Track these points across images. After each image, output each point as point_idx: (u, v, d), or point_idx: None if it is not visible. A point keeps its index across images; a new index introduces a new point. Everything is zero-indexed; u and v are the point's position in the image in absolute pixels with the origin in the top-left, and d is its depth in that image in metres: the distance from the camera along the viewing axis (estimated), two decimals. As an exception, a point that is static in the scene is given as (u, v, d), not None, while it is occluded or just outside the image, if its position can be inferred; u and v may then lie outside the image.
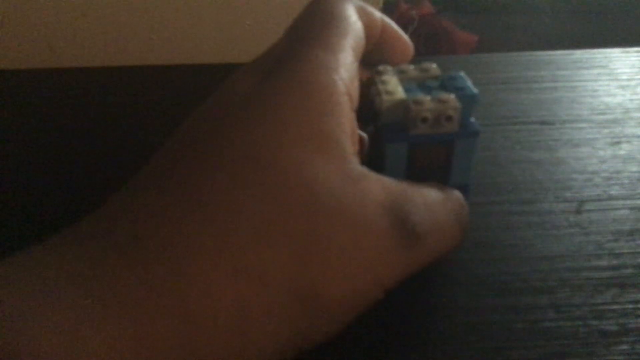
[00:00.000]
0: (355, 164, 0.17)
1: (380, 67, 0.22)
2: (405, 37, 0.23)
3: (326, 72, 0.17)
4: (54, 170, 0.28)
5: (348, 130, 0.17)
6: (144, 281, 0.14)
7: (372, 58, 0.23)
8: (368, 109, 0.21)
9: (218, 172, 0.15)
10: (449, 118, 0.20)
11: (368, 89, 0.21)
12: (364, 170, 0.17)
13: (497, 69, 0.35)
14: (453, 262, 0.22)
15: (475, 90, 0.21)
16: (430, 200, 0.18)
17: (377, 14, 0.22)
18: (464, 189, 0.22)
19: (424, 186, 0.19)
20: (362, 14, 0.21)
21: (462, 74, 0.22)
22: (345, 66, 0.18)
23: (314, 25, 0.19)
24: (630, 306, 0.20)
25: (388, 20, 0.22)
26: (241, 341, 0.14)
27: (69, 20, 0.90)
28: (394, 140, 0.20)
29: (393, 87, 0.21)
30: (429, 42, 1.06)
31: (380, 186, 0.17)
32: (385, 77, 0.21)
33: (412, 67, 0.22)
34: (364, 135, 0.25)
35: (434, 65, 0.22)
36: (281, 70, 0.18)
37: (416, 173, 0.21)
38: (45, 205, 0.26)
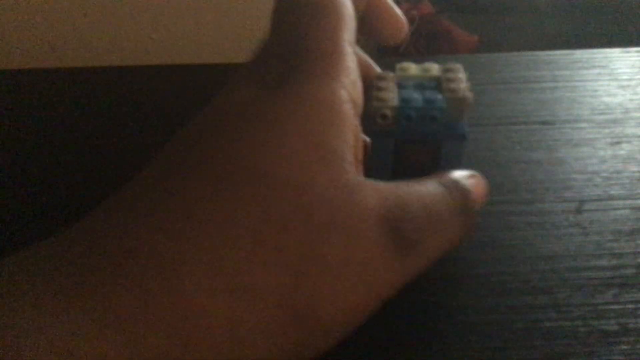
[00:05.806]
0: (352, 174, 0.17)
1: (382, 73, 0.22)
2: (397, 10, 0.22)
3: (328, 83, 0.17)
4: (54, 170, 0.28)
5: (350, 140, 0.17)
6: (137, 296, 0.13)
7: (360, 32, 0.22)
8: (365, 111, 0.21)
9: (213, 184, 0.15)
10: (433, 118, 0.20)
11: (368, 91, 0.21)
12: (361, 179, 0.17)
13: (497, 69, 0.35)
14: (453, 262, 0.22)
15: (468, 93, 0.20)
16: (429, 200, 0.18)
17: None
18: None
19: (424, 182, 0.18)
20: None
21: (460, 68, 0.22)
22: (346, 71, 0.18)
23: (303, 21, 0.18)
24: (631, 306, 0.20)
25: None
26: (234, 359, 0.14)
27: (69, 20, 0.90)
28: (380, 135, 0.21)
29: (388, 94, 0.21)
30: (429, 42, 1.06)
31: (376, 195, 0.17)
32: (382, 84, 0.21)
33: (413, 65, 0.22)
34: (367, 139, 0.24)
35: (436, 66, 0.22)
36: (281, 82, 0.17)
37: (403, 172, 0.21)
38: (46, 206, 0.26)
